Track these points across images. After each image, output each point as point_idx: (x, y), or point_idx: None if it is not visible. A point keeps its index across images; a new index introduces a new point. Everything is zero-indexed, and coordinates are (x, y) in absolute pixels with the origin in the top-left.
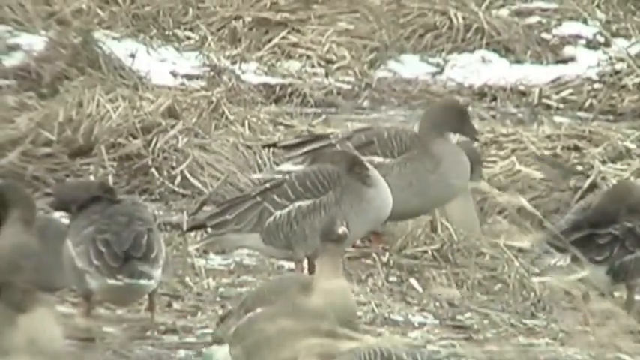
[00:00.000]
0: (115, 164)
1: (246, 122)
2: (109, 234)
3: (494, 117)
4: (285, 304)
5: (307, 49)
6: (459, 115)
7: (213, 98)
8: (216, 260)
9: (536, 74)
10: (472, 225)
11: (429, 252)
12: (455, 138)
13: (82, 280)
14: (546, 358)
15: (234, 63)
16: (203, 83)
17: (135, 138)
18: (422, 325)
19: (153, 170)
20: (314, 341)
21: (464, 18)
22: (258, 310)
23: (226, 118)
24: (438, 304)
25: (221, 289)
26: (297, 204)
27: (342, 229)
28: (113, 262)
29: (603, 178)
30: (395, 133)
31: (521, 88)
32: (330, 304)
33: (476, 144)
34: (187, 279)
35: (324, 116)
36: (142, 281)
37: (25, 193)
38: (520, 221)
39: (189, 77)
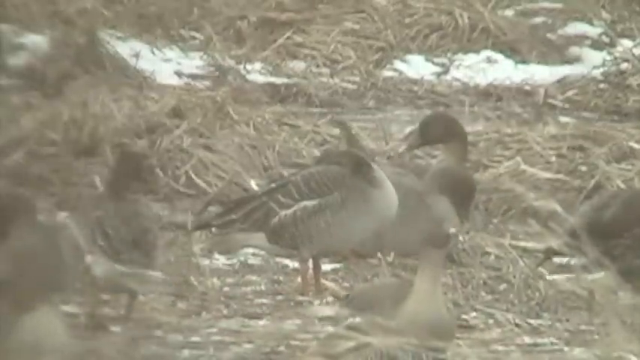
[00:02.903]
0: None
1: (251, 122)
2: (117, 219)
3: (499, 117)
4: (381, 312)
5: (312, 49)
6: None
7: (218, 98)
8: (220, 260)
9: (541, 74)
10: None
11: None
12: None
13: (81, 265)
14: (551, 358)
15: (239, 63)
16: (208, 83)
17: (139, 138)
18: None
19: (157, 170)
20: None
21: (469, 18)
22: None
23: (231, 118)
24: None
25: (226, 289)
26: (302, 204)
27: (451, 230)
28: (121, 246)
29: (608, 178)
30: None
31: (527, 88)
32: (423, 317)
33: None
34: (192, 279)
35: (329, 116)
36: (151, 272)
37: (27, 199)
38: (551, 226)
39: (194, 77)
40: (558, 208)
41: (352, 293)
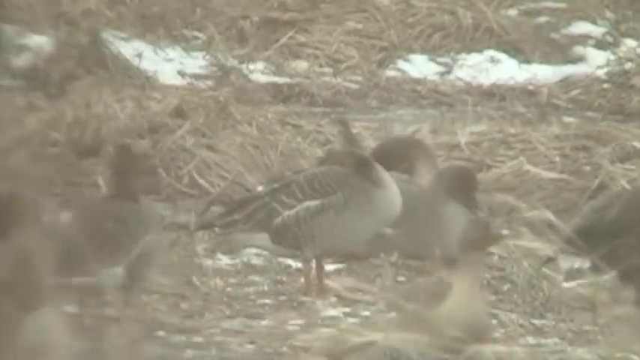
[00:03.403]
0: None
1: (253, 122)
2: (110, 222)
3: (502, 117)
4: (415, 310)
5: (315, 48)
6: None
7: (221, 98)
8: (223, 260)
9: (545, 74)
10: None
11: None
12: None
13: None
14: (555, 358)
15: (241, 63)
16: (210, 83)
17: (142, 138)
18: None
19: (160, 170)
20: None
21: (473, 18)
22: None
23: (234, 117)
24: None
25: (228, 289)
26: (305, 204)
27: (499, 229)
28: (113, 250)
29: (612, 178)
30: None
31: (530, 87)
32: (462, 317)
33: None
34: (194, 279)
35: (332, 116)
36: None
37: (31, 199)
38: (547, 234)
39: (197, 77)
40: (552, 217)
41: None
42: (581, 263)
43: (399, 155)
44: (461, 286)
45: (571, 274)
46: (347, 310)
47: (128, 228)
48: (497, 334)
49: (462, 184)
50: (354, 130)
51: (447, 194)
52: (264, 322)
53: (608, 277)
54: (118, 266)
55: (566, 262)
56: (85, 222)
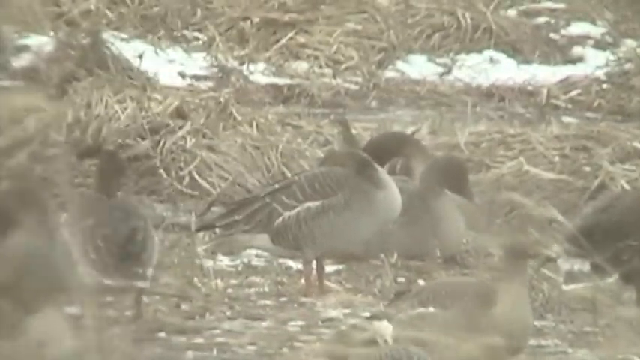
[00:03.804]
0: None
1: (254, 123)
2: (107, 228)
3: (502, 117)
4: (463, 311)
5: (315, 49)
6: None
7: (221, 99)
8: (224, 261)
9: (544, 74)
10: (459, 232)
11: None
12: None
13: (74, 272)
14: (555, 359)
15: (242, 63)
16: (211, 84)
17: (143, 139)
18: None
19: (161, 171)
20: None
21: (472, 18)
22: (431, 309)
23: (234, 118)
24: None
25: (229, 290)
26: (306, 205)
27: (555, 254)
28: (109, 259)
29: (612, 179)
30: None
31: (530, 88)
32: (512, 320)
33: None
34: (195, 280)
35: (332, 117)
36: (138, 283)
37: (41, 195)
38: (552, 233)
39: (198, 78)
40: (558, 216)
41: (420, 287)
42: (581, 265)
43: (389, 151)
44: (509, 293)
45: (571, 276)
46: (347, 310)
47: (149, 227)
48: None
49: (453, 174)
50: (354, 131)
51: (439, 185)
52: (264, 323)
53: (609, 278)
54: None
55: (566, 264)
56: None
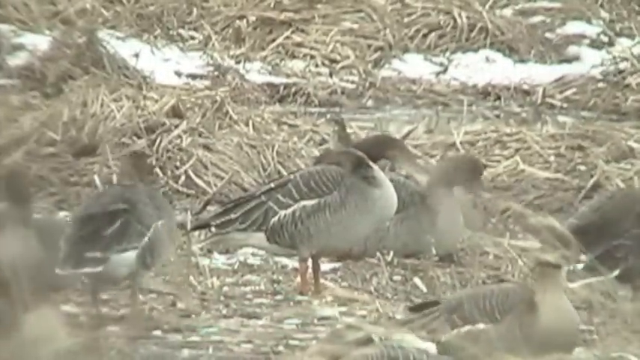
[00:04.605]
0: (119, 163)
1: (250, 122)
2: (78, 216)
3: (498, 116)
4: (512, 324)
5: (311, 48)
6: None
7: (217, 98)
8: (220, 260)
9: (540, 73)
10: (457, 231)
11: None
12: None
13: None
14: (551, 358)
15: (238, 62)
16: (207, 83)
17: (139, 137)
18: None
19: (157, 170)
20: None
21: (468, 17)
22: (481, 326)
23: (230, 117)
24: None
25: (225, 289)
26: (301, 203)
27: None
28: (65, 250)
29: (607, 178)
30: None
31: (525, 87)
32: (558, 328)
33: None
34: (191, 278)
35: (328, 116)
36: (86, 269)
37: (27, 189)
38: (552, 241)
39: (194, 77)
40: (557, 225)
41: (447, 301)
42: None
43: (374, 154)
44: (548, 297)
45: (567, 275)
46: (343, 309)
47: (141, 212)
48: None
49: (463, 169)
50: (350, 130)
51: (450, 182)
52: (260, 322)
53: (605, 277)
54: (130, 252)
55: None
56: (95, 207)
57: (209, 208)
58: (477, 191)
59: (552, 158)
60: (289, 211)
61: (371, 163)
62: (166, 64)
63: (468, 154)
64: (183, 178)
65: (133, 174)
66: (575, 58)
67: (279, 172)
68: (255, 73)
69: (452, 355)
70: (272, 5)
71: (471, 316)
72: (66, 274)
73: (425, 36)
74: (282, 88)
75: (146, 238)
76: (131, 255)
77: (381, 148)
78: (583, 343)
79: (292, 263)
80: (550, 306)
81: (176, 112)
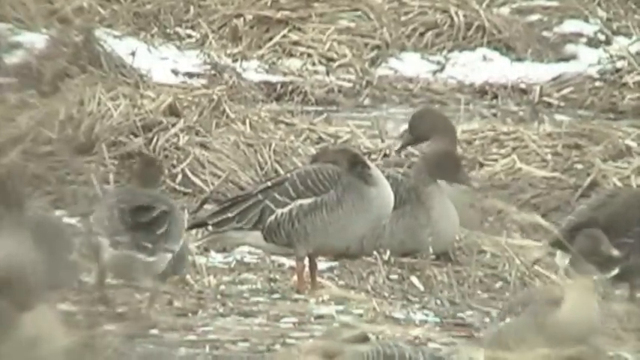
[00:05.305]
0: (115, 162)
1: (247, 120)
2: (129, 204)
3: (495, 115)
4: (532, 315)
5: (308, 47)
6: (452, 163)
7: (214, 96)
8: (217, 258)
9: (537, 72)
10: (453, 223)
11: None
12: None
13: (96, 248)
14: None
15: (235, 61)
16: (204, 81)
17: (136, 136)
18: (423, 323)
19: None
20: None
21: (465, 16)
22: (507, 319)
23: (227, 116)
24: (438, 302)
25: (222, 287)
26: (298, 202)
27: (614, 251)
28: (120, 228)
29: (604, 176)
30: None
31: (522, 86)
32: (579, 321)
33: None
34: (188, 277)
35: (325, 114)
36: (141, 255)
37: (23, 188)
38: (535, 236)
39: (190, 75)
40: (541, 221)
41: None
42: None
43: (427, 125)
44: (574, 293)
45: (567, 273)
46: (340, 308)
47: (178, 219)
48: None
49: (443, 164)
50: (347, 129)
51: (433, 178)
52: (257, 320)
53: (604, 275)
54: (169, 254)
55: (562, 261)
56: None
57: (206, 206)
58: (463, 182)
59: (549, 157)
60: (286, 209)
61: (368, 162)
62: (163, 63)
63: (440, 149)
64: (180, 176)
65: (147, 179)
66: (573, 57)
67: (276, 171)
68: (252, 71)
69: (492, 351)
70: (269, 4)
71: (504, 312)
72: (116, 254)
73: (422, 34)
74: (279, 86)
75: (180, 245)
76: (168, 257)
77: (433, 125)
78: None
79: (289, 262)
80: (569, 304)
81: (173, 111)
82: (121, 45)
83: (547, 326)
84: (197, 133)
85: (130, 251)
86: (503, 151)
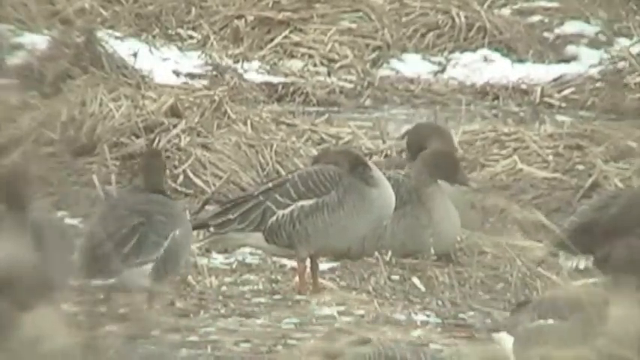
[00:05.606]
0: (117, 163)
1: (248, 121)
2: (95, 226)
3: (496, 116)
4: (580, 321)
5: (309, 48)
6: (450, 163)
7: (216, 97)
8: (218, 259)
9: (538, 73)
10: (454, 223)
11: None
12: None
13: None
14: None
15: (236, 62)
16: (205, 82)
17: (137, 137)
18: (424, 324)
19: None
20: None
21: (466, 17)
22: (551, 321)
23: (229, 117)
24: (440, 302)
25: (223, 288)
26: (299, 203)
27: None
28: (82, 259)
29: (605, 177)
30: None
31: (523, 87)
32: (628, 327)
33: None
34: (190, 278)
35: (326, 115)
36: (98, 281)
37: (24, 188)
38: (537, 236)
39: (192, 76)
40: (543, 219)
41: (540, 298)
42: (580, 262)
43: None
44: (620, 297)
45: (571, 274)
46: (341, 308)
47: (157, 223)
48: None
49: (443, 164)
50: (348, 129)
51: (432, 179)
52: (258, 321)
53: (605, 276)
54: (145, 265)
55: (567, 262)
56: (112, 223)
57: (207, 207)
58: (461, 182)
59: (550, 158)
60: (287, 211)
61: (369, 163)
62: (165, 64)
63: (437, 149)
64: (181, 177)
65: (150, 175)
66: (574, 58)
67: (277, 172)
68: (254, 72)
69: (524, 347)
70: (270, 5)
71: (546, 312)
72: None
73: (423, 35)
74: (280, 87)
75: (162, 250)
76: (147, 268)
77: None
78: None
79: (290, 263)
80: (618, 311)
81: (174, 112)
82: (122, 46)
83: (597, 337)
84: (199, 134)
85: (89, 280)
86: (504, 151)
